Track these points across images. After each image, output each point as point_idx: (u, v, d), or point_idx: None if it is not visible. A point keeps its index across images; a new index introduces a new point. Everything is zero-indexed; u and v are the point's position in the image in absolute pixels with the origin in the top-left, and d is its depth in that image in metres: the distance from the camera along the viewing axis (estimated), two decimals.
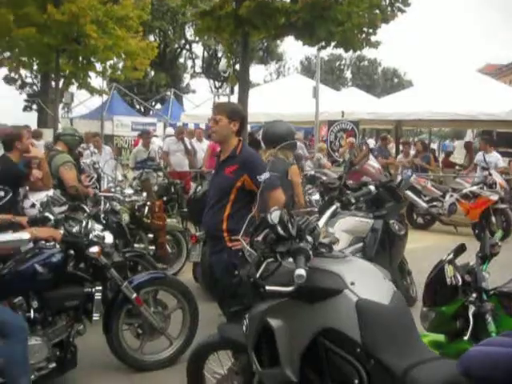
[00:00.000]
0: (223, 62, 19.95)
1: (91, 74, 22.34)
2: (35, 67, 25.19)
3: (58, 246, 4.13)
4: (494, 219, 10.43)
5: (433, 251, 6.76)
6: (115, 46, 19.55)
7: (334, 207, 3.92)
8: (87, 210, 4.83)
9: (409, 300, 5.47)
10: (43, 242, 4.00)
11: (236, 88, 20.24)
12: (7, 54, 23.43)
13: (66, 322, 4.27)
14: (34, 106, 40.26)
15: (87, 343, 4.58)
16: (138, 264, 5.66)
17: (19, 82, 42.69)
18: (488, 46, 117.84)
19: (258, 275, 2.44)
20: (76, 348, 4.36)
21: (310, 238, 2.59)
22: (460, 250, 3.48)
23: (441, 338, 3.43)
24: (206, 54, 47.76)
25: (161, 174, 9.49)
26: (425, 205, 10.91)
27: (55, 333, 4.21)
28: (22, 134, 5.52)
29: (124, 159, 18.95)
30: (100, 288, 4.30)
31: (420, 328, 3.04)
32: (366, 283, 2.50)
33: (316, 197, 6.37)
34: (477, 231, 9.98)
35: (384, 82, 61.34)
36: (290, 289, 2.38)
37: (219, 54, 44.74)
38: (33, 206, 4.72)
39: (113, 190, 6.85)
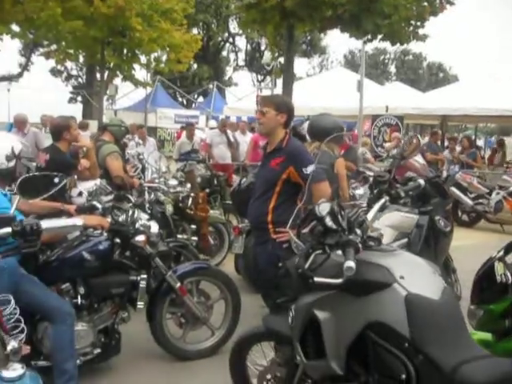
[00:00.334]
0: (267, 55, 19.93)
1: (136, 66, 22.61)
2: (81, 59, 25.61)
3: (105, 234, 4.20)
4: None
5: (478, 249, 6.64)
6: (160, 38, 19.74)
7: (382, 201, 3.87)
8: (132, 200, 4.89)
9: None
10: (91, 230, 4.07)
11: (279, 81, 20.25)
12: (54, 46, 23.89)
13: (111, 308, 4.34)
14: (79, 98, 40.96)
15: (131, 331, 4.64)
16: (181, 254, 5.70)
17: (65, 74, 43.53)
18: None
19: (306, 266, 2.42)
20: (120, 335, 4.43)
21: (358, 231, 2.57)
22: (511, 247, 3.40)
23: (488, 336, 3.35)
24: (249, 47, 47.79)
25: (204, 166, 9.55)
26: (470, 202, 10.64)
27: (101, 319, 4.29)
28: (70, 124, 5.59)
29: (166, 151, 19.13)
30: (145, 276, 4.36)
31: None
32: (416, 277, 2.46)
33: (360, 191, 6.28)
34: None
35: (429, 77, 60.39)
36: (338, 281, 2.37)
37: (262, 47, 44.72)
38: (80, 194, 4.79)
39: (157, 181, 6.92)
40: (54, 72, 42.70)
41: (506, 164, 15.83)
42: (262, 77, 45.30)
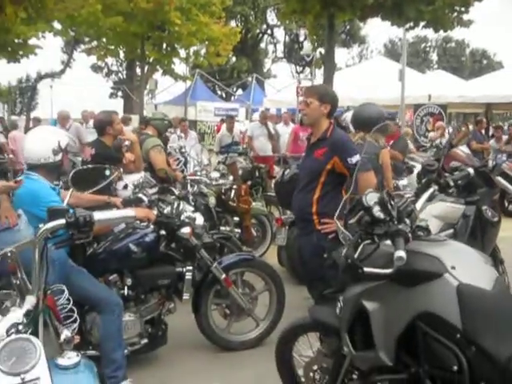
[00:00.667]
0: (306, 46, 19.81)
1: (175, 60, 22.77)
2: (121, 55, 25.93)
3: (151, 227, 4.25)
4: None
5: None
6: (198, 32, 19.85)
7: (431, 190, 3.83)
8: (176, 193, 4.93)
9: None
10: (137, 222, 4.12)
11: (318, 72, 20.14)
12: (95, 43, 24.25)
13: (158, 299, 4.41)
14: (120, 93, 41.47)
15: (176, 322, 4.69)
16: (225, 246, 5.73)
17: (105, 70, 44.10)
18: None
19: (355, 257, 2.41)
20: (167, 325, 4.49)
21: (407, 221, 2.54)
22: None
23: None
24: (287, 38, 47.58)
25: (244, 158, 9.57)
26: None
27: (147, 310, 4.36)
28: (113, 119, 5.67)
29: (207, 144, 19.22)
30: (190, 268, 4.40)
31: None
32: (467, 268, 2.43)
33: (404, 182, 6.24)
34: None
35: (472, 64, 59.05)
36: (388, 271, 2.35)
37: (301, 38, 44.48)
38: (125, 187, 4.86)
39: (199, 173, 6.96)
40: (95, 68, 43.32)
41: None
42: (301, 68, 45.10)
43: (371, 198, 2.57)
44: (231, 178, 7.18)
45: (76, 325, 2.37)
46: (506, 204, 11.22)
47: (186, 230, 4.29)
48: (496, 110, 22.56)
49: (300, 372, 3.49)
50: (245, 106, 25.94)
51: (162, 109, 21.44)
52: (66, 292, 2.43)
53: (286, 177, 5.05)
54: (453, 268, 2.38)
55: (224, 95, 38.08)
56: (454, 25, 11.15)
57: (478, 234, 5.25)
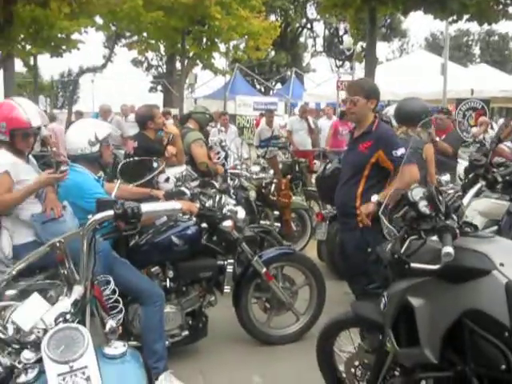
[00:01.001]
0: (347, 40, 19.63)
1: (215, 54, 22.85)
2: (162, 49, 26.14)
3: (193, 219, 4.28)
4: None
5: None
6: (238, 26, 19.89)
7: (478, 185, 3.75)
8: (217, 186, 4.95)
9: None
10: (180, 215, 4.15)
11: (358, 66, 19.94)
12: (135, 37, 24.49)
13: (199, 292, 4.43)
14: (159, 87, 41.83)
15: (217, 314, 4.71)
16: (265, 240, 5.73)
17: (145, 65, 44.52)
18: None
19: (402, 252, 2.38)
20: (207, 318, 4.52)
21: (454, 216, 2.50)
22: None
23: None
24: (326, 32, 47.24)
25: (284, 152, 9.55)
26: None
27: (188, 302, 4.39)
28: (154, 113, 5.73)
29: (246, 138, 19.25)
30: (232, 261, 4.41)
31: None
32: None
33: (446, 177, 6.11)
34: None
35: None
36: (435, 267, 2.31)
37: (341, 32, 44.13)
38: (167, 180, 4.90)
39: (239, 167, 6.97)
40: (135, 62, 43.78)
41: None
42: (341, 62, 44.75)
43: (417, 192, 2.53)
44: (271, 172, 7.16)
45: (121, 315, 2.39)
46: None
47: (227, 223, 4.31)
48: None
49: (341, 367, 3.46)
50: (284, 100, 25.91)
51: (202, 103, 21.56)
52: (112, 283, 2.47)
53: (327, 171, 5.03)
54: (501, 265, 2.34)
55: (263, 89, 38.06)
56: (499, 18, 10.90)
57: None
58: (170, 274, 4.27)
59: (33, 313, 1.94)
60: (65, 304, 2.01)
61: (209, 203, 4.38)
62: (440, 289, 2.44)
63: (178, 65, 25.68)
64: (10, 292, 3.06)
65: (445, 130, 7.39)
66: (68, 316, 1.98)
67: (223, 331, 4.90)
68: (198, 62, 24.54)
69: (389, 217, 2.77)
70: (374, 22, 11.53)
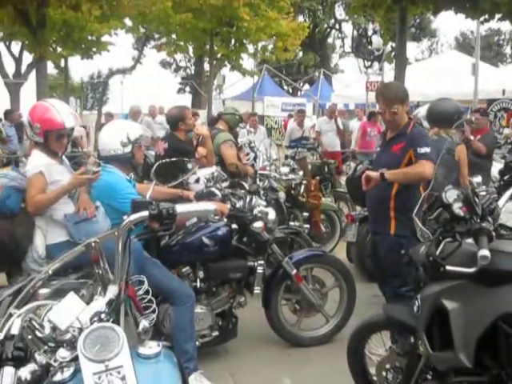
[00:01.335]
0: (376, 40, 19.48)
1: (243, 55, 22.89)
2: (190, 51, 26.28)
3: (224, 220, 4.29)
4: None
5: None
6: (267, 27, 19.89)
7: None
8: (246, 187, 4.96)
9: None
10: (210, 216, 4.16)
11: (387, 67, 19.79)
12: (164, 39, 24.67)
13: (229, 293, 4.43)
14: (187, 89, 42.07)
15: (246, 315, 4.71)
16: (294, 241, 5.72)
17: (174, 66, 44.81)
18: None
19: (437, 254, 2.35)
20: (237, 319, 4.52)
21: (489, 219, 2.46)
22: None
23: None
24: (355, 33, 47.00)
25: (312, 153, 9.53)
26: None
27: (218, 303, 4.39)
28: (185, 114, 5.75)
29: (274, 139, 19.24)
30: (262, 262, 4.41)
31: None
32: None
33: (478, 179, 6.02)
34: None
35: None
36: (471, 270, 2.29)
37: (369, 33, 43.83)
38: (197, 181, 4.91)
39: (268, 168, 6.96)
40: (164, 64, 44.11)
41: None
42: (369, 63, 44.49)
43: (451, 194, 2.51)
44: (301, 173, 7.14)
45: (154, 315, 2.41)
46: None
47: (258, 224, 4.31)
48: None
49: (372, 370, 3.44)
50: (312, 101, 25.83)
51: (230, 104, 21.62)
52: (146, 283, 2.48)
53: (358, 172, 5.00)
54: None
55: (290, 90, 38.01)
56: None
57: None
58: (201, 274, 4.28)
59: (69, 312, 1.95)
60: (100, 303, 2.03)
61: (239, 204, 4.39)
62: (475, 292, 2.41)
63: (207, 66, 25.84)
64: (44, 291, 3.11)
65: (481, 130, 7.30)
66: (103, 315, 1.99)
67: (253, 332, 4.89)
68: (226, 63, 24.59)
69: (422, 219, 2.75)
70: (405, 22, 11.43)
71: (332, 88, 28.87)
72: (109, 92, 44.60)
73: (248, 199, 4.41)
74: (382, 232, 4.19)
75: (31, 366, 1.84)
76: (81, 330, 1.90)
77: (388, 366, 3.29)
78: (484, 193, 4.78)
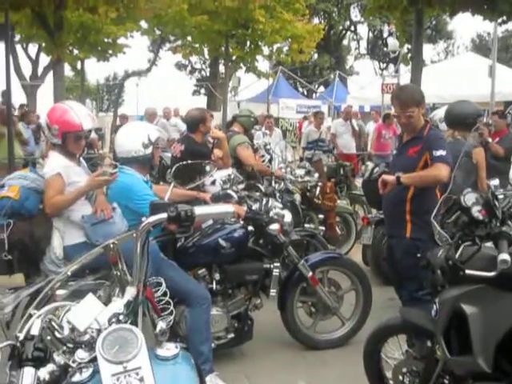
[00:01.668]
0: (392, 42, 19.38)
1: (258, 57, 22.87)
2: (205, 53, 26.33)
3: (240, 222, 4.29)
4: None
5: None
6: (282, 29, 19.83)
7: None
8: (262, 189, 4.96)
9: None
10: (228, 218, 4.16)
11: (403, 69, 19.69)
12: (179, 41, 24.73)
13: (245, 295, 4.44)
14: (202, 91, 42.17)
15: (262, 318, 4.71)
16: (310, 244, 5.71)
17: (189, 68, 44.96)
18: None
19: (456, 258, 2.34)
20: (253, 321, 4.52)
21: (510, 223, 2.44)
22: None
23: None
24: (370, 34, 46.86)
25: (328, 155, 9.51)
26: None
27: (234, 305, 4.39)
28: (206, 116, 5.75)
29: (289, 141, 19.21)
30: (278, 265, 4.41)
31: None
32: None
33: (495, 182, 5.97)
34: None
35: None
36: (491, 274, 2.27)
37: (385, 35, 43.68)
38: (213, 183, 4.92)
39: (283, 170, 6.96)
40: (179, 66, 44.26)
41: None
42: (385, 65, 44.32)
43: (469, 198, 2.49)
44: (316, 175, 7.13)
45: (172, 317, 2.41)
46: None
47: (274, 226, 4.31)
48: None
49: (388, 374, 3.43)
50: (327, 103, 25.76)
51: (245, 106, 21.66)
52: (164, 285, 2.49)
53: (374, 175, 4.98)
54: None
55: (306, 92, 37.97)
56: None
57: None
58: (217, 276, 4.29)
59: (87, 313, 1.96)
60: (118, 305, 2.03)
61: (255, 206, 4.39)
62: (495, 296, 2.39)
63: (222, 68, 25.88)
64: (62, 292, 3.13)
65: (499, 132, 7.23)
66: (121, 317, 1.99)
67: (268, 335, 4.89)
68: (241, 65, 24.58)
69: (440, 222, 2.73)
70: (421, 24, 11.33)
71: (347, 90, 28.80)
72: (124, 94, 44.94)
73: (264, 201, 4.42)
74: (398, 235, 4.17)
75: (50, 367, 1.84)
76: (99, 331, 1.91)
77: (405, 369, 3.28)
78: (502, 196, 4.75)
